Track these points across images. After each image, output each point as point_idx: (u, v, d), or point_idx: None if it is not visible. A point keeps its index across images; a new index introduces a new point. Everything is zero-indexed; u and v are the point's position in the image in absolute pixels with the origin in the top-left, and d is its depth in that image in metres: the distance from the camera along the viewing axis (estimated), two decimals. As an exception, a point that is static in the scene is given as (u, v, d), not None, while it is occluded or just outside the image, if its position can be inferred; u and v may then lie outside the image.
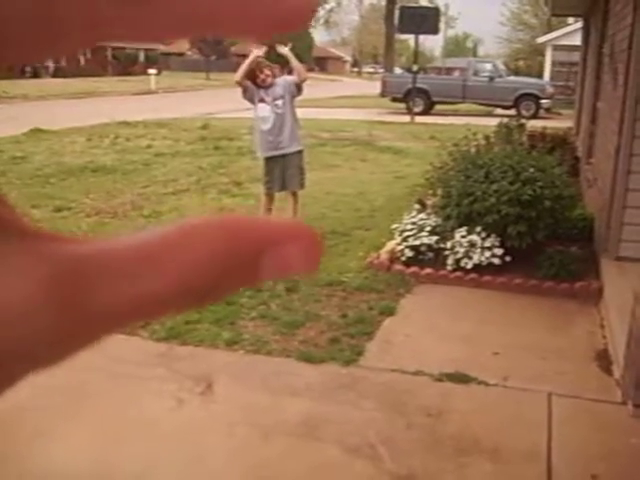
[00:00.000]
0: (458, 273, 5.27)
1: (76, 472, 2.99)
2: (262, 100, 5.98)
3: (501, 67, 23.62)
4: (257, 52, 5.75)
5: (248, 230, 0.20)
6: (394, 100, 22.78)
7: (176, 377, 3.78)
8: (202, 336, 4.27)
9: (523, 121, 8.46)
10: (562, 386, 3.75)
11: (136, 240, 0.20)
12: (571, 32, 25.12)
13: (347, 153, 12.31)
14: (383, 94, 23.18)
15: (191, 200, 8.11)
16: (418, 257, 5.48)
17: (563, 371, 3.95)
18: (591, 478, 2.98)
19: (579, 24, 16.72)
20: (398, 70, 33.05)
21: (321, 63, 71.29)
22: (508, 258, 5.26)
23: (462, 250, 5.28)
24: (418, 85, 20.45)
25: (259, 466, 3.09)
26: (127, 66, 45.70)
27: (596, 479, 2.98)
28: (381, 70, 46.60)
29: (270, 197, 6.35)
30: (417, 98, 20.99)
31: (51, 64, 40.32)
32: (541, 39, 32.05)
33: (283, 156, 6.13)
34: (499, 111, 20.98)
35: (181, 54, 60.17)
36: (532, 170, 5.36)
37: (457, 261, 5.29)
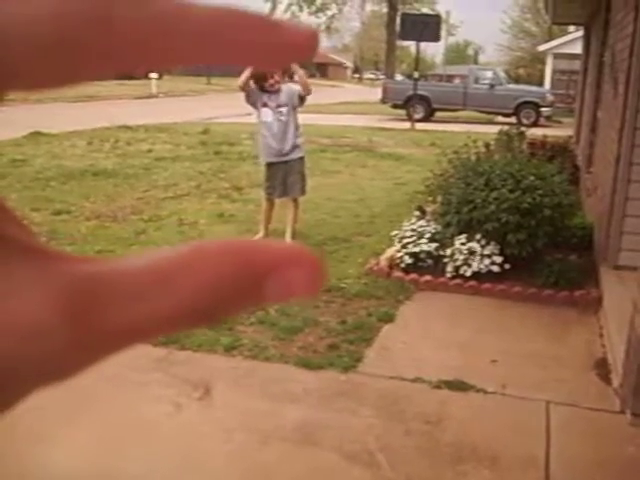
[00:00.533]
0: (457, 280, 5.27)
1: (75, 475, 2.99)
2: (265, 105, 5.99)
3: (502, 75, 23.67)
4: None
5: (253, 254, 0.21)
6: (395, 107, 22.83)
7: (174, 382, 3.78)
8: (201, 341, 4.27)
9: (523, 129, 8.47)
10: (561, 394, 3.75)
11: (146, 261, 0.20)
12: (572, 40, 25.21)
13: (347, 159, 12.32)
14: (384, 101, 23.23)
15: (191, 205, 8.11)
16: (417, 264, 5.48)
17: (562, 379, 3.95)
18: (589, 487, 2.98)
19: (580, 33, 16.77)
20: (399, 77, 33.17)
21: (322, 69, 71.38)
22: (507, 266, 5.26)
23: (461, 257, 5.28)
24: (419, 92, 20.51)
25: (257, 472, 3.09)
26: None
27: (594, 488, 2.98)
28: (382, 77, 46.73)
29: (270, 202, 6.35)
30: (418, 105, 21.04)
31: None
32: (542, 47, 32.13)
33: (285, 163, 6.14)
34: (499, 119, 21.04)
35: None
36: (532, 178, 5.37)
37: (456, 268, 5.29)
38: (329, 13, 65.50)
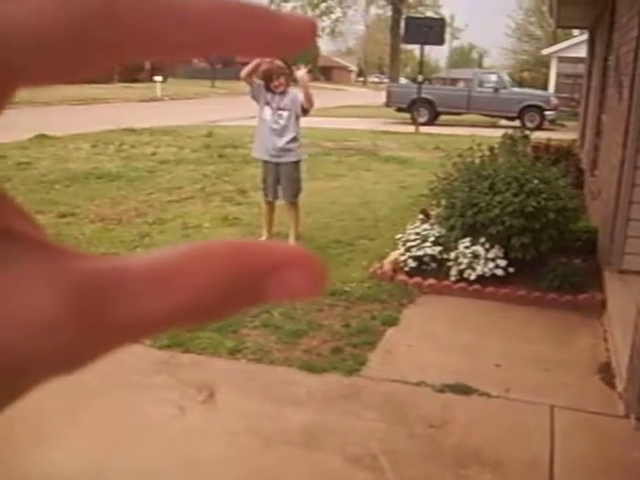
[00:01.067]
0: (461, 284, 5.27)
1: (77, 477, 2.99)
2: (267, 104, 5.98)
3: (506, 78, 23.65)
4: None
5: (254, 255, 0.21)
6: (399, 110, 22.84)
7: (178, 385, 3.78)
8: (205, 344, 4.27)
9: (527, 132, 8.47)
10: (564, 398, 3.74)
11: (151, 259, 0.20)
12: (576, 44, 25.17)
13: (351, 163, 12.32)
14: (388, 104, 23.22)
15: (195, 208, 8.12)
16: (421, 267, 5.47)
17: (566, 383, 3.94)
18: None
19: (584, 36, 16.77)
20: (403, 80, 33.19)
21: (326, 72, 71.49)
22: (511, 269, 5.26)
23: (466, 261, 5.28)
24: (423, 95, 20.53)
25: (260, 475, 3.09)
26: (133, 73, 45.86)
27: (598, 493, 2.97)
28: (386, 80, 46.74)
29: (270, 205, 6.33)
30: (422, 108, 21.06)
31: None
32: (546, 51, 32.11)
33: (277, 164, 6.11)
34: (503, 122, 21.03)
35: (187, 62, 60.43)
36: (536, 182, 5.37)
37: (460, 272, 5.29)
38: (333, 16, 65.69)
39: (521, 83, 33.36)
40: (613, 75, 7.04)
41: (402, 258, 5.57)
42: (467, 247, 5.34)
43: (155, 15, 0.19)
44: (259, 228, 6.65)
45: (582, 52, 16.70)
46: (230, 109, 20.45)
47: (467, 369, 4.07)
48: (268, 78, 5.85)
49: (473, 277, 5.24)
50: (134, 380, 3.81)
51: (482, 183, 5.45)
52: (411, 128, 19.48)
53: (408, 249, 5.57)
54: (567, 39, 30.01)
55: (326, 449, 3.22)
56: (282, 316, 4.75)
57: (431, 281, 5.35)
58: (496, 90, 22.22)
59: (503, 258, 5.27)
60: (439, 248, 5.53)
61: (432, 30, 19.74)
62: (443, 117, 22.87)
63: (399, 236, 5.87)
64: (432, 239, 5.61)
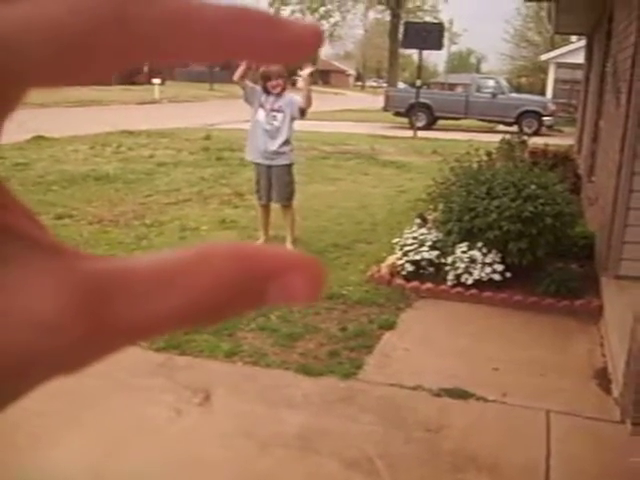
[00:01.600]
0: (458, 288, 5.27)
1: (74, 478, 2.99)
2: (261, 106, 5.97)
3: (504, 84, 23.70)
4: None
5: (255, 259, 0.21)
6: (397, 114, 22.86)
7: (174, 387, 3.78)
8: (201, 347, 4.27)
9: (525, 138, 8.49)
10: (561, 403, 3.74)
11: (153, 261, 0.21)
12: (574, 50, 25.24)
13: (349, 167, 12.33)
14: (386, 108, 23.25)
15: (193, 210, 8.12)
16: (419, 272, 5.48)
17: (562, 388, 3.94)
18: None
19: (582, 42, 16.81)
20: (401, 85, 33.21)
21: (325, 76, 71.54)
22: (508, 274, 5.26)
23: (463, 265, 5.29)
24: (421, 100, 20.56)
25: (255, 478, 3.08)
26: (131, 75, 45.86)
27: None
28: (384, 84, 46.79)
29: (264, 208, 6.33)
30: (420, 113, 21.11)
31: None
32: (544, 56, 32.19)
33: (269, 167, 6.10)
34: (501, 127, 21.07)
35: (186, 65, 60.41)
36: (534, 187, 5.38)
37: (457, 276, 5.29)
38: (332, 20, 65.76)
39: (519, 89, 33.45)
40: (611, 81, 7.06)
41: (399, 262, 5.57)
42: (464, 252, 5.34)
43: (163, 22, 0.19)
44: (256, 231, 6.65)
45: (580, 58, 16.73)
46: (228, 112, 20.45)
47: (464, 373, 4.07)
48: (267, 78, 5.85)
49: (470, 282, 5.24)
50: (130, 382, 3.80)
51: (479, 188, 5.45)
52: (409, 132, 19.51)
53: (405, 253, 5.57)
54: (565, 45, 30.06)
55: (322, 452, 3.22)
56: (279, 319, 4.75)
57: (428, 285, 5.36)
58: (494, 95, 22.27)
59: (500, 263, 5.28)
60: (436, 252, 5.54)
61: (430, 35, 19.78)
62: (441, 122, 22.91)
63: (396, 240, 5.87)
64: (429, 243, 5.62)
